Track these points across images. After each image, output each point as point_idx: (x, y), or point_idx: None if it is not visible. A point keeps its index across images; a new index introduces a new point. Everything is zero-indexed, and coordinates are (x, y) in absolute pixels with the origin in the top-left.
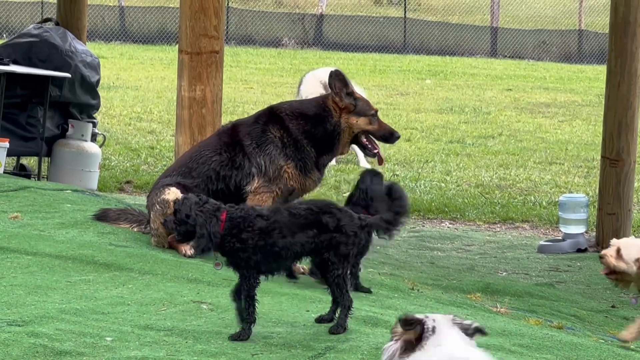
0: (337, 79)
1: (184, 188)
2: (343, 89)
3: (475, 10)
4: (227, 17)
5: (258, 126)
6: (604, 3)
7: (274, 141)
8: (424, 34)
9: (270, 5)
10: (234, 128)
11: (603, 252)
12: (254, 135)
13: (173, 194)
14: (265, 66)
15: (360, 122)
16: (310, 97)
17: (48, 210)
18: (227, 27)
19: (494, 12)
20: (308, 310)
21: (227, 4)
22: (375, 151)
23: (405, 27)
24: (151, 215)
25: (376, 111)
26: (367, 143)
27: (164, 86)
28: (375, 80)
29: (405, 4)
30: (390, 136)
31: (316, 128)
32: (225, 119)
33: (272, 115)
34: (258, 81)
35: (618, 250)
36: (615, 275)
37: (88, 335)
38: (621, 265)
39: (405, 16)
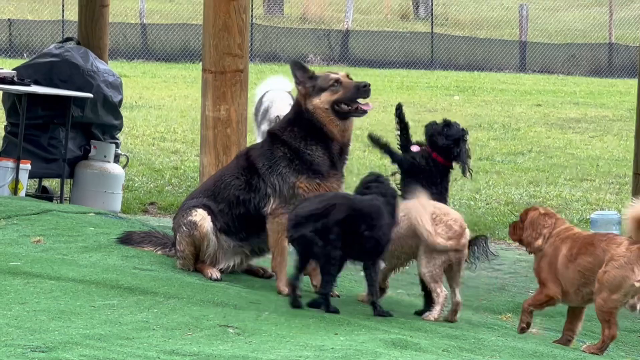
0: (297, 68)
1: (210, 210)
2: (304, 75)
3: (503, 24)
4: (252, 34)
5: (266, 147)
6: (635, 15)
7: (282, 159)
8: (452, 49)
9: (295, 22)
10: (248, 152)
11: None
12: (264, 157)
13: (200, 215)
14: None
15: (324, 98)
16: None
17: (71, 233)
18: (251, 44)
19: (522, 26)
20: (336, 334)
21: (251, 21)
22: (365, 109)
23: (432, 42)
24: (177, 237)
25: (337, 79)
26: (350, 109)
27: (187, 105)
28: (402, 96)
29: (432, 19)
30: (356, 93)
31: (301, 127)
32: (250, 139)
33: (272, 135)
34: None
35: None
36: None
37: None
38: None
39: (432, 31)
